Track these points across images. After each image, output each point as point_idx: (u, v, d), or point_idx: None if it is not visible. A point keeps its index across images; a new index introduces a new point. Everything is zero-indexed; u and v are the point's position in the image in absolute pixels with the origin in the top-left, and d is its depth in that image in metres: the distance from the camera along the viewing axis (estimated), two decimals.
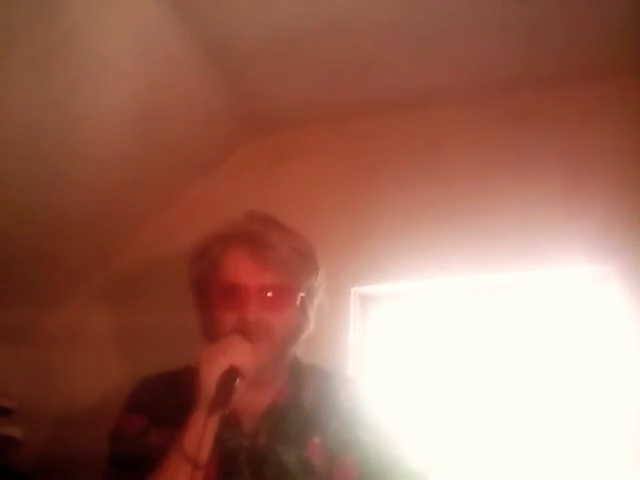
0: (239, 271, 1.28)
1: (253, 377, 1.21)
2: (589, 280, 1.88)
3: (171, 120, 1.95)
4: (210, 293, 1.30)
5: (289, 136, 2.23)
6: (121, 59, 1.68)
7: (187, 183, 2.22)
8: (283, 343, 1.32)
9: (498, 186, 1.95)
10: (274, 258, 1.28)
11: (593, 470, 1.72)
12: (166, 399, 1.31)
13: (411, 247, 1.95)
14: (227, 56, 1.88)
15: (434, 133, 2.08)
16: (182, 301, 1.43)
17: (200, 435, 1.13)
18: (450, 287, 1.99)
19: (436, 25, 1.75)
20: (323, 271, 1.39)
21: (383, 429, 1.37)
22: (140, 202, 2.15)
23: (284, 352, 1.34)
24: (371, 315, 2.06)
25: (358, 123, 2.16)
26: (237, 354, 1.18)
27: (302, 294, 1.34)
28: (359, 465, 1.31)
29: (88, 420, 1.99)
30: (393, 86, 2.01)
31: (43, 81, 1.57)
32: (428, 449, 1.82)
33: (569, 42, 1.81)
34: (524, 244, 1.87)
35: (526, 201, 1.91)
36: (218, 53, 1.86)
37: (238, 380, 1.16)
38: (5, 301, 1.95)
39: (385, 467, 1.31)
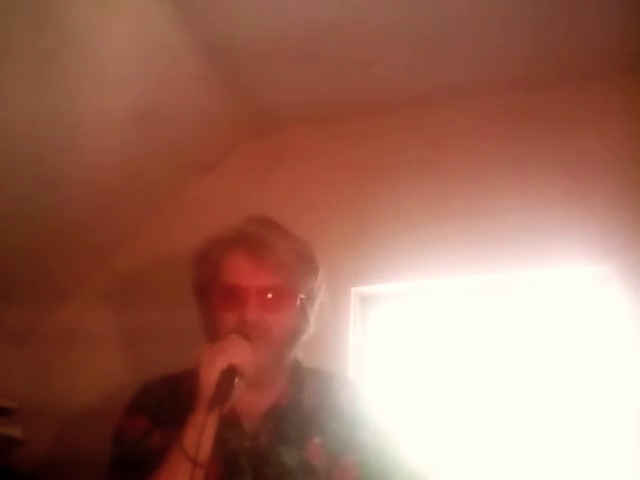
0: (239, 273, 1.30)
1: (252, 377, 1.22)
2: (589, 280, 1.88)
3: (171, 120, 1.95)
4: (211, 295, 1.32)
5: (289, 136, 2.22)
6: (121, 60, 1.68)
7: (187, 183, 2.22)
8: (282, 344, 1.33)
9: (498, 186, 1.95)
10: (273, 260, 1.29)
11: (593, 470, 1.72)
12: (168, 401, 1.32)
13: (411, 247, 1.95)
14: (227, 56, 1.88)
15: (434, 133, 2.08)
16: (182, 301, 1.44)
17: (199, 433, 1.14)
18: (450, 287, 1.99)
19: (437, 25, 1.75)
20: (323, 273, 1.40)
21: (383, 429, 1.38)
22: (140, 202, 2.15)
23: (284, 353, 1.35)
24: (371, 315, 2.06)
25: (358, 123, 2.15)
26: (236, 353, 1.20)
27: (302, 296, 1.35)
28: (359, 465, 1.32)
29: (88, 420, 1.99)
30: (393, 86, 2.01)
31: (43, 82, 1.57)
32: (428, 450, 1.82)
33: (570, 42, 1.81)
34: (524, 244, 1.87)
35: (526, 201, 1.91)
36: (218, 53, 1.86)
37: (237, 379, 1.17)
38: (5, 301, 1.95)
39: (385, 467, 1.32)
